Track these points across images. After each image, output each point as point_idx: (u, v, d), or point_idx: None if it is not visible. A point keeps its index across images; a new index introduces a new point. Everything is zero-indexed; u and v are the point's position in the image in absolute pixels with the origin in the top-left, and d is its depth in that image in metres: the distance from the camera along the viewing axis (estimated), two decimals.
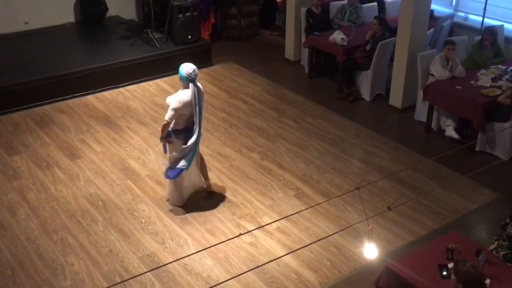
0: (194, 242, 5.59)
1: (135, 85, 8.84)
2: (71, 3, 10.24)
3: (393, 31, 8.33)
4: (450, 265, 4.28)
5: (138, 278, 5.08)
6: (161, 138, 5.64)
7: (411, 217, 5.97)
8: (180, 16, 9.19)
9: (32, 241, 5.57)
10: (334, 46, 8.61)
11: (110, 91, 8.63)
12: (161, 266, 5.16)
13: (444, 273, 4.32)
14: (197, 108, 5.53)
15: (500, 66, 7.68)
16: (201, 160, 6.07)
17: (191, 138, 5.60)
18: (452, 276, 3.93)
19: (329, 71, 9.25)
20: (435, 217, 5.97)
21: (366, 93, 8.56)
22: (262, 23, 11.28)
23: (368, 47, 8.40)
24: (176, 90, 5.82)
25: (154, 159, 6.89)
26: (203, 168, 6.12)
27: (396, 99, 8.23)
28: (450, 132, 7.38)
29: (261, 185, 6.48)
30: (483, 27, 8.55)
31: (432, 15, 8.71)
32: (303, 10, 9.32)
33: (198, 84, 5.63)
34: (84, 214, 5.97)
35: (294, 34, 9.65)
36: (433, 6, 8.66)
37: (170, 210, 6.01)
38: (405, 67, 7.93)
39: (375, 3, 9.87)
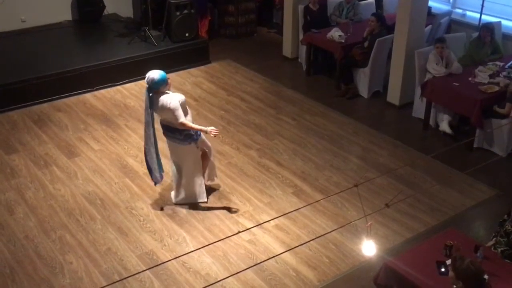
0: (192, 240, 5.59)
1: (132, 83, 8.83)
2: (68, 1, 10.22)
3: (390, 28, 8.33)
4: (448, 261, 4.29)
5: (137, 276, 5.08)
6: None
7: (409, 214, 5.97)
8: (178, 13, 9.18)
9: (31, 240, 5.56)
10: (332, 43, 8.61)
11: (108, 89, 8.62)
12: (160, 264, 5.16)
13: (442, 269, 4.33)
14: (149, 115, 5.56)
15: (497, 62, 7.68)
16: (204, 159, 6.01)
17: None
18: (450, 273, 3.93)
19: (327, 68, 9.25)
20: (433, 214, 5.98)
21: (364, 90, 8.56)
22: (260, 20, 11.26)
23: (366, 44, 8.40)
24: (174, 88, 5.80)
25: None
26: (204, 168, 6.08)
27: (394, 96, 8.23)
28: (444, 126, 7.37)
29: (260, 182, 6.48)
30: (480, 24, 8.56)
31: (429, 12, 8.71)
32: (301, 7, 9.31)
33: (155, 96, 5.52)
34: (82, 212, 5.96)
35: (291, 31, 9.65)
36: (430, 3, 8.66)
37: (171, 208, 6.01)
38: (402, 64, 7.93)
39: (373, 0, 9.86)
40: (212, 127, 5.53)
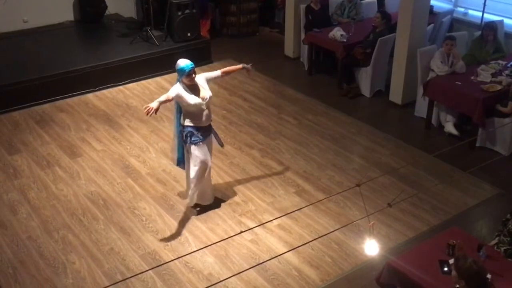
0: (195, 239, 5.59)
1: (134, 83, 8.84)
2: (70, 2, 10.23)
3: (392, 28, 8.32)
4: (451, 261, 4.28)
5: (139, 276, 5.08)
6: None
7: (412, 213, 5.97)
8: (179, 13, 9.18)
9: (33, 240, 5.57)
10: (334, 42, 8.60)
11: (110, 89, 8.63)
12: (162, 264, 5.17)
13: (445, 269, 4.33)
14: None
15: (500, 61, 7.66)
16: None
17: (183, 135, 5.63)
18: (453, 272, 3.93)
19: (329, 67, 9.25)
20: (435, 213, 5.98)
21: (366, 90, 8.55)
22: (262, 20, 11.26)
23: (370, 37, 8.32)
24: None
25: (154, 157, 6.89)
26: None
27: (396, 95, 8.23)
28: (449, 128, 7.37)
29: (262, 182, 6.48)
30: (482, 23, 8.54)
31: (431, 11, 8.70)
32: (303, 6, 9.31)
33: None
34: (85, 212, 5.97)
35: (293, 31, 9.65)
36: (432, 2, 8.65)
37: (171, 208, 6.02)
38: (405, 63, 7.92)
39: None
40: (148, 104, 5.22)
